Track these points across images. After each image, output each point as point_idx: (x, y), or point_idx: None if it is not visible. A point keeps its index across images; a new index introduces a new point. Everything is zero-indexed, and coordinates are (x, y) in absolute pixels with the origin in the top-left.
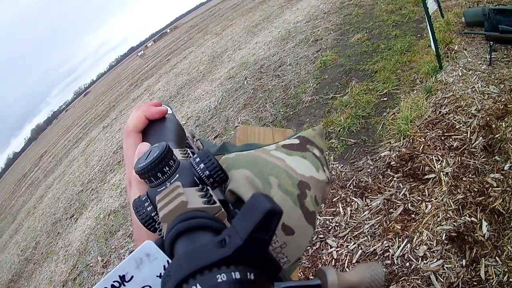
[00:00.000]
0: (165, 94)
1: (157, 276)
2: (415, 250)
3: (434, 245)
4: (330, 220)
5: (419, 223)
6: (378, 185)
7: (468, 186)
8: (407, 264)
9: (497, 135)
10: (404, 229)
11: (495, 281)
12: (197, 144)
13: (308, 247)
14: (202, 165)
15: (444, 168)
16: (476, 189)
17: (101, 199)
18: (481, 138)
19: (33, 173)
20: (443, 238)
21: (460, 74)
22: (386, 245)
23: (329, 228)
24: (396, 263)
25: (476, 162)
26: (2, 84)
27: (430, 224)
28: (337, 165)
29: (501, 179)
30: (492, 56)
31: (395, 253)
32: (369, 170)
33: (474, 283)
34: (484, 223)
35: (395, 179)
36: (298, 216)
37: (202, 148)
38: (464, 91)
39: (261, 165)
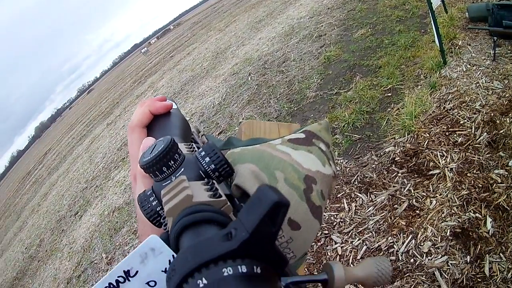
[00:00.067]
0: (169, 90)
1: (162, 270)
2: (419, 246)
3: (439, 241)
4: (335, 216)
5: (423, 219)
6: (382, 180)
7: (472, 182)
8: (412, 260)
9: (501, 131)
10: (408, 225)
11: (499, 278)
12: (202, 139)
13: (313, 243)
14: (207, 159)
15: (449, 164)
16: (480, 185)
17: (105, 196)
18: (485, 133)
19: (37, 171)
20: (448, 234)
21: (464, 69)
22: (391, 241)
23: (334, 224)
24: (400, 259)
25: (481, 157)
26: (5, 82)
27: (434, 220)
28: (341, 161)
29: (505, 175)
30: (496, 52)
31: (399, 249)
32: (373, 165)
33: (479, 279)
34: (489, 219)
35: (399, 174)
36: (304, 211)
37: (208, 142)
38: (468, 87)
39: (267, 159)
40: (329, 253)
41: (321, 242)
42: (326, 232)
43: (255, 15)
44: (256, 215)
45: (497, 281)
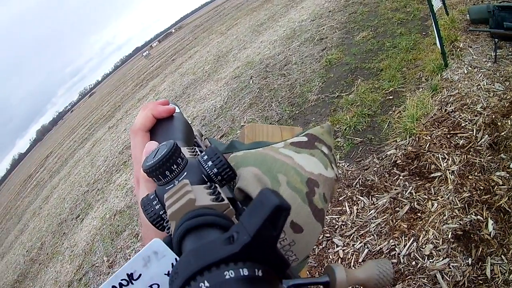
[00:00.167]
0: (171, 94)
1: (165, 274)
2: (421, 248)
3: (440, 243)
4: (337, 219)
5: (425, 222)
6: (384, 183)
7: (474, 184)
8: (413, 262)
9: (502, 133)
10: (410, 228)
11: (500, 280)
12: (205, 142)
13: (315, 246)
14: (210, 163)
15: (450, 167)
16: (482, 187)
17: (106, 199)
18: (486, 136)
19: (39, 174)
20: (449, 236)
21: (466, 71)
22: (392, 243)
23: (336, 227)
24: (402, 261)
25: (482, 160)
26: (7, 85)
27: (436, 222)
28: (343, 164)
29: (507, 177)
30: (497, 53)
31: (401, 251)
32: (375, 168)
33: (480, 281)
34: (490, 222)
35: (401, 177)
36: (307, 214)
37: (210, 146)
38: (469, 89)
39: (269, 162)
40: (331, 256)
41: (323, 245)
42: (328, 235)
43: (256, 18)
44: (257, 219)
45: (499, 283)
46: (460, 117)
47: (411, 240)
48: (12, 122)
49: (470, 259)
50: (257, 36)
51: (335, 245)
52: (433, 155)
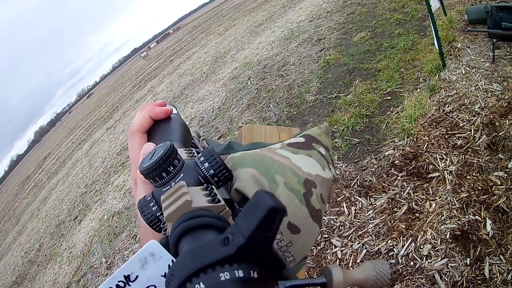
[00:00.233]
0: (169, 95)
1: (161, 275)
2: (419, 249)
3: (439, 244)
4: (335, 219)
5: (423, 222)
6: (382, 184)
7: (472, 184)
8: (412, 263)
9: (500, 133)
10: (408, 228)
11: (499, 280)
12: (203, 143)
13: (313, 247)
14: (206, 164)
15: (448, 167)
16: (480, 187)
17: (105, 200)
18: (484, 136)
19: (37, 175)
20: (447, 236)
21: (464, 72)
22: (391, 244)
23: (334, 227)
24: (400, 262)
25: (480, 160)
26: (5, 86)
27: (434, 222)
28: (341, 165)
29: (504, 177)
30: (495, 54)
31: (399, 252)
32: (373, 169)
33: (479, 281)
34: (488, 222)
35: (399, 178)
36: (304, 214)
37: (207, 147)
38: (467, 89)
39: (267, 163)
40: (329, 257)
41: (321, 246)
42: (326, 236)
43: (254, 19)
44: (252, 221)
45: (497, 283)
46: (458, 117)
47: (409, 241)
48: (11, 123)
49: (468, 259)
50: (255, 37)
51: (333, 246)
52: (431, 155)
